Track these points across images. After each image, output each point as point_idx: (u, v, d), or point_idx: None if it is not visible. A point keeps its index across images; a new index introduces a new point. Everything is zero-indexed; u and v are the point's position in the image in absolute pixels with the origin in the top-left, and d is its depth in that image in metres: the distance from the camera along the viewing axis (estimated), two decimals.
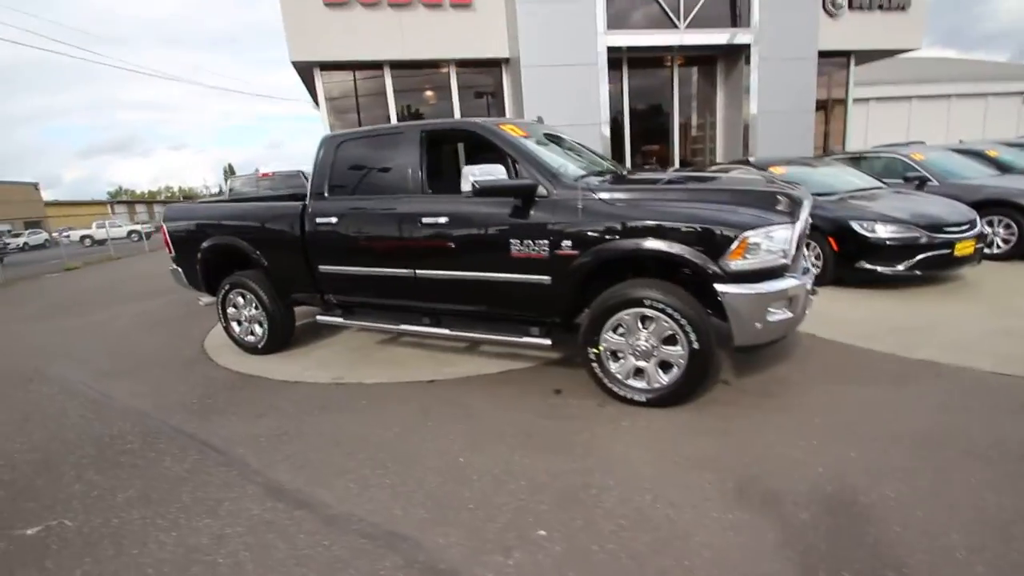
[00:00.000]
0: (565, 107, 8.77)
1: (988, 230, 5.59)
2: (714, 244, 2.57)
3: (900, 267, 4.71)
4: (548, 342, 3.13)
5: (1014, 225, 5.61)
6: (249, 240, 4.10)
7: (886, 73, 18.02)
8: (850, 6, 11.08)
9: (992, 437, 2.37)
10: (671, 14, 9.52)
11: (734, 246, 2.54)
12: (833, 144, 12.73)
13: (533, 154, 3.09)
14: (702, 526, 1.93)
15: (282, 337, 4.36)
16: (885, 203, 5.13)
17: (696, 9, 9.59)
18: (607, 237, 2.77)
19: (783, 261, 2.63)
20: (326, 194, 3.74)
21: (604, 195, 2.85)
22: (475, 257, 3.20)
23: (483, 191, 2.86)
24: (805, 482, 2.15)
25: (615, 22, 9.25)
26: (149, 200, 61.94)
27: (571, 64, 9.00)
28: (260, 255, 4.08)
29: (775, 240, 2.58)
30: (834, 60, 11.73)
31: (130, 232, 26.52)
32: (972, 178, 6.27)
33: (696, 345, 2.67)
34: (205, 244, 4.33)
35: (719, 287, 2.59)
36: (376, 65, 8.92)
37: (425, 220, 3.28)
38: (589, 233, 2.81)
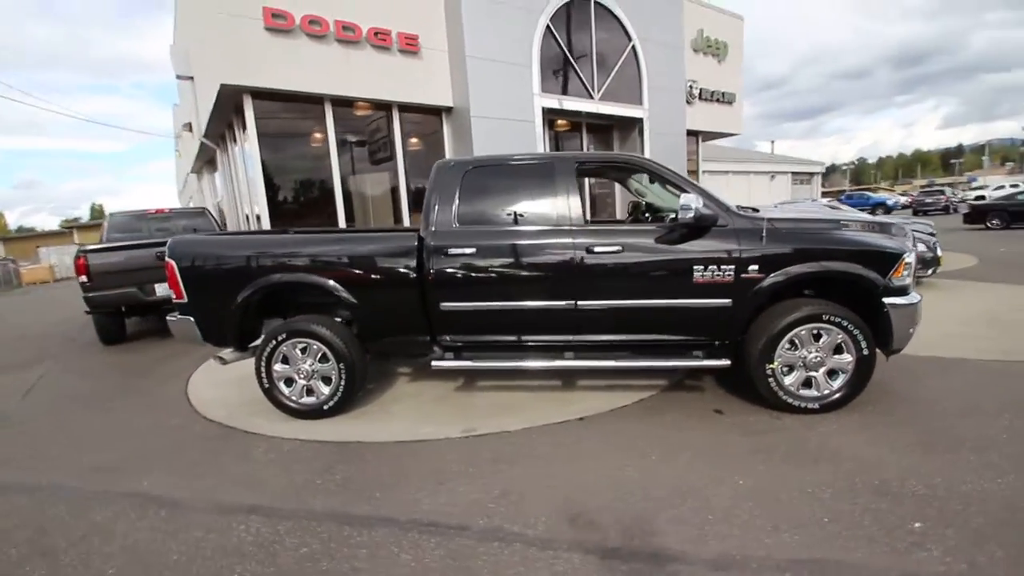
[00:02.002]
0: None
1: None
2: (884, 264, 3.10)
3: None
4: (728, 363, 3.27)
5: None
6: (337, 277, 3.40)
7: None
8: (699, 97, 14.04)
9: None
10: (587, 86, 10.86)
11: (897, 265, 3.11)
12: None
13: (705, 188, 3.32)
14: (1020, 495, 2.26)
15: (356, 393, 3.62)
16: None
17: (606, 84, 11.12)
18: (794, 261, 3.11)
19: (910, 280, 3.28)
20: (455, 224, 3.37)
21: (780, 225, 3.20)
22: (652, 285, 3.23)
23: (698, 219, 2.97)
24: None
25: (545, 87, 10.17)
26: None
27: (514, 119, 9.53)
28: (349, 294, 3.40)
29: (912, 261, 3.22)
30: (688, 138, 14.54)
31: None
32: None
33: (865, 351, 3.12)
34: (257, 283, 3.43)
35: (888, 300, 3.10)
36: (316, 99, 8.19)
37: (597, 249, 3.21)
38: (776, 258, 3.12)
